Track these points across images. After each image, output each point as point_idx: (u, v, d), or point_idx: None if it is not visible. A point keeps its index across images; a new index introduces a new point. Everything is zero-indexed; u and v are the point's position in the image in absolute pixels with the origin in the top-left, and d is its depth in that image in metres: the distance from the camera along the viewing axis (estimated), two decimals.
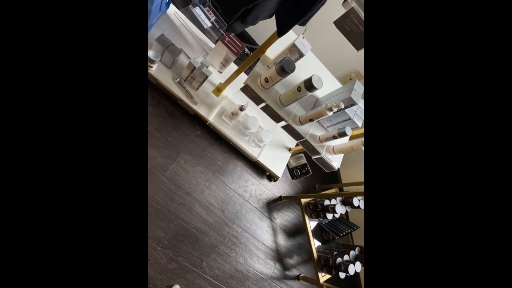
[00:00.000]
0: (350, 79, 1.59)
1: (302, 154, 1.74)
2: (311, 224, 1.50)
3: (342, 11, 0.58)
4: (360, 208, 1.47)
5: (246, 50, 1.75)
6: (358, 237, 1.71)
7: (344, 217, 1.76)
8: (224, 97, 1.46)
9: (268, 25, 1.28)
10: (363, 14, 0.55)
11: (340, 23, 0.59)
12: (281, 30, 0.64)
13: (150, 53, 1.14)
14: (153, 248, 1.15)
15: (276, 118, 1.05)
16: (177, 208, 1.27)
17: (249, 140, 1.48)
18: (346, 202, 1.48)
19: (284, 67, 0.86)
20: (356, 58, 1.50)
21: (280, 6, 0.63)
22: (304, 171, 1.70)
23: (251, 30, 1.76)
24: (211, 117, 1.38)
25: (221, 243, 1.35)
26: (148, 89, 1.31)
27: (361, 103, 1.03)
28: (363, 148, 1.02)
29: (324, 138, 1.07)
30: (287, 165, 1.73)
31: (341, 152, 1.11)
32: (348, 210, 1.50)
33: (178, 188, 1.29)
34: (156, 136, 1.29)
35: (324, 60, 1.22)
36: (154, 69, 1.23)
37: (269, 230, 1.55)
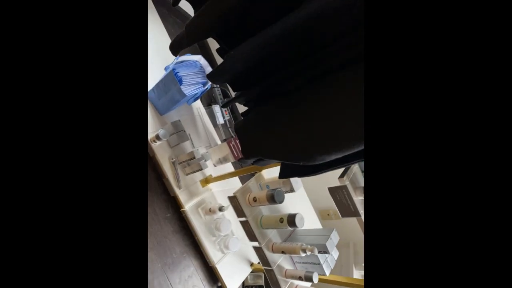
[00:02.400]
0: (328, 214, 1.67)
1: (262, 274, 1.62)
2: None
3: (337, 182, 0.69)
4: None
5: None
6: None
7: None
8: (209, 190, 1.47)
9: None
10: (353, 194, 0.65)
11: (333, 191, 0.68)
12: (282, 176, 0.74)
13: (160, 132, 1.22)
14: None
15: (251, 237, 1.04)
16: None
17: (215, 242, 1.41)
18: None
19: (274, 197, 0.92)
20: None
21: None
22: None
23: None
24: (188, 206, 1.35)
25: None
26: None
27: (333, 252, 1.06)
28: None
29: (290, 275, 1.03)
30: (243, 282, 1.58)
31: None
32: None
33: None
34: None
35: (308, 189, 1.32)
36: (157, 145, 1.29)
37: None
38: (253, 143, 0.66)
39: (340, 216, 0.71)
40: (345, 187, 0.65)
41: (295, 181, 1.01)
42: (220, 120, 1.77)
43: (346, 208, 0.67)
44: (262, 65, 0.56)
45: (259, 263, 1.56)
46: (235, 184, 1.67)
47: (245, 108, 0.81)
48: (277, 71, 0.57)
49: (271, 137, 0.60)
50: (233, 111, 1.87)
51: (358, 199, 0.69)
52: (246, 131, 0.69)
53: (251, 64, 0.57)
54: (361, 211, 0.68)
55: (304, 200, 1.27)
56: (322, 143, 0.50)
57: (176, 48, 0.69)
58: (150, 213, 1.30)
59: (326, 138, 0.49)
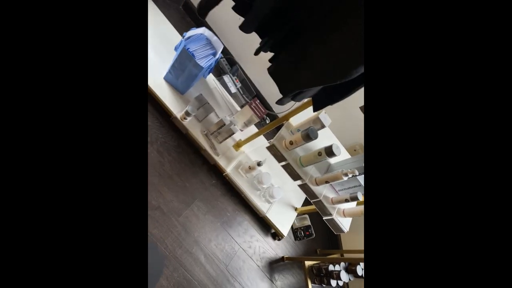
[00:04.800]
0: (355, 150, 1.78)
1: (306, 216, 1.79)
2: None
3: None
4: (363, 278, 1.46)
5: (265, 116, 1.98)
6: None
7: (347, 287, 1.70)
8: (242, 152, 1.59)
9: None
10: None
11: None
12: (316, 108, 0.82)
13: (189, 108, 1.32)
14: None
15: (295, 176, 1.16)
16: (184, 256, 1.25)
17: (260, 195, 1.56)
18: (350, 270, 1.48)
19: (310, 134, 1.02)
20: (360, 132, 1.71)
21: (322, 91, 0.82)
22: (307, 233, 1.73)
23: (272, 102, 2.04)
24: (229, 169, 1.49)
25: None
26: (177, 137, 1.45)
27: None
28: None
29: (336, 200, 1.17)
30: (291, 226, 1.76)
31: (351, 215, 1.19)
32: (351, 279, 1.48)
33: (188, 234, 1.30)
34: (176, 181, 1.36)
35: (334, 130, 1.41)
36: (187, 121, 1.40)
37: None
38: (289, 80, 0.74)
39: None
40: None
41: (323, 117, 1.10)
42: (233, 89, 1.84)
43: None
44: (287, 4, 0.62)
45: (304, 204, 1.73)
46: (262, 143, 1.78)
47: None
48: (301, 8, 0.63)
49: (305, 68, 0.67)
50: (242, 78, 1.92)
51: None
52: (280, 71, 0.76)
53: (277, 5, 0.63)
54: None
55: (331, 137, 1.37)
56: (354, 57, 0.57)
57: (205, 9, 0.74)
58: (197, 183, 1.44)
59: (357, 52, 0.56)
